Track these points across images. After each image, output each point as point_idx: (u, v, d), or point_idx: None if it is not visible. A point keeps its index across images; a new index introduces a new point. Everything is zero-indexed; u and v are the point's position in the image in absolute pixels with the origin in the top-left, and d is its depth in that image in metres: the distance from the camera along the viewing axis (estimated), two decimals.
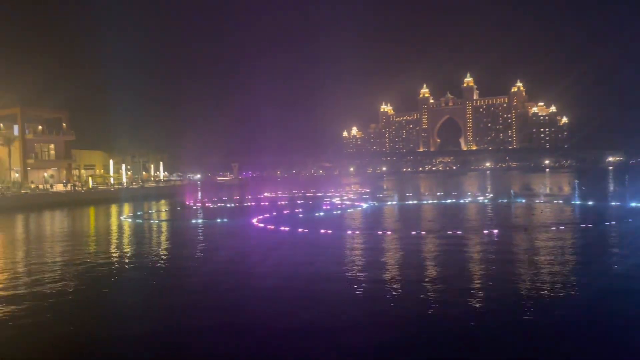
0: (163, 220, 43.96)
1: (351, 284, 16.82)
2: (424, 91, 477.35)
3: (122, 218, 46.13)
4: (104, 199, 75.71)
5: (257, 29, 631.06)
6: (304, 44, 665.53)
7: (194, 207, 56.87)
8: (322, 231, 30.24)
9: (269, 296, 15.80)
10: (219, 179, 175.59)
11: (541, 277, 16.93)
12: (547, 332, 11.82)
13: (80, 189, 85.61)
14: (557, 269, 18.05)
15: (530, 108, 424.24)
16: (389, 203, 53.97)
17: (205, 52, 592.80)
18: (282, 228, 32.65)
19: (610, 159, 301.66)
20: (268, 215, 42.50)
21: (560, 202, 48.83)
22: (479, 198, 56.93)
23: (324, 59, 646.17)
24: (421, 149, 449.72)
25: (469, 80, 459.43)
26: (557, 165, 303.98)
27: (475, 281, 16.89)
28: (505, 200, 51.46)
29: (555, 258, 20.05)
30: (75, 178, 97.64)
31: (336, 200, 59.40)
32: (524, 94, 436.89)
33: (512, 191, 56.36)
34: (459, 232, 28.45)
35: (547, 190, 72.49)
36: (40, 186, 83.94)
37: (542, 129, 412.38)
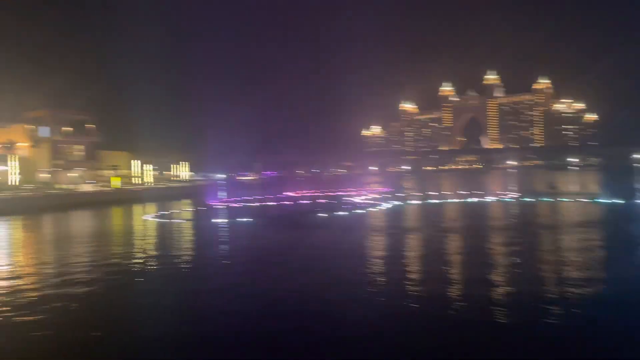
0: (187, 220, 44.50)
1: (372, 285, 16.87)
2: (446, 89, 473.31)
3: (146, 218, 46.85)
4: (129, 198, 76.93)
5: (279, 29, 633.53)
6: (325, 43, 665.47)
7: (217, 207, 57.44)
8: (344, 231, 30.28)
9: (300, 297, 15.94)
10: (241, 178, 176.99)
11: (570, 277, 16.72)
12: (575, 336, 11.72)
13: (106, 189, 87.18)
14: (586, 271, 17.79)
15: (556, 105, 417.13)
16: (411, 202, 53.68)
17: (228, 53, 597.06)
18: (304, 228, 32.77)
19: (639, 156, 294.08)
20: (290, 214, 42.68)
21: (587, 200, 47.94)
22: (502, 197, 56.25)
23: (345, 57, 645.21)
24: (443, 148, 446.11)
25: (492, 77, 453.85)
26: (583, 163, 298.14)
27: (501, 283, 16.78)
28: (530, 199, 50.77)
29: (584, 258, 19.75)
30: (101, 178, 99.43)
31: (357, 200, 59.35)
32: (549, 90, 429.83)
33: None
34: (482, 231, 28.21)
35: (573, 189, 71.22)
36: (68, 186, 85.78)
37: (568, 127, 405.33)
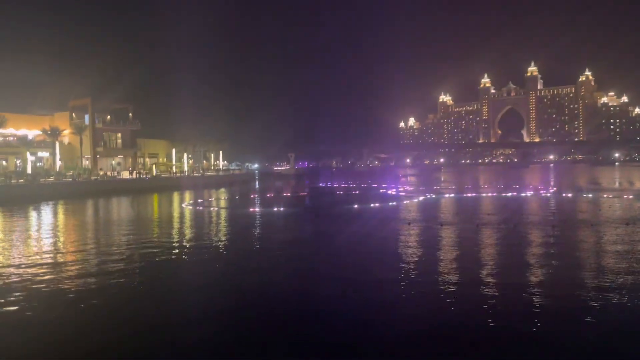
0: (223, 208, 45.17)
1: (403, 280, 16.79)
2: (485, 81, 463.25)
3: (183, 205, 47.79)
4: (166, 186, 78.67)
5: (316, 21, 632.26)
6: (363, 34, 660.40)
7: (252, 196, 58.11)
8: (378, 223, 30.14)
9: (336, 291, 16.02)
10: (275, 169, 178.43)
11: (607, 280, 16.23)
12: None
13: (144, 176, 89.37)
14: (624, 275, 17.21)
15: (600, 98, 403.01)
16: (446, 195, 52.98)
17: (264, 44, 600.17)
18: (337, 219, 32.76)
19: None
20: (325, 204, 42.77)
21: (631, 197, 46.24)
22: (541, 191, 54.90)
23: (382, 48, 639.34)
24: (481, 141, 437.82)
25: (532, 69, 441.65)
26: (627, 158, 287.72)
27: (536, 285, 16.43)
28: (569, 195, 49.39)
29: (623, 258, 19.10)
30: (140, 166, 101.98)
31: (391, 192, 58.98)
32: (592, 83, 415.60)
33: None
34: (519, 226, 27.63)
35: (617, 185, 68.88)
36: (109, 173, 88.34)
37: (612, 120, 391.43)
